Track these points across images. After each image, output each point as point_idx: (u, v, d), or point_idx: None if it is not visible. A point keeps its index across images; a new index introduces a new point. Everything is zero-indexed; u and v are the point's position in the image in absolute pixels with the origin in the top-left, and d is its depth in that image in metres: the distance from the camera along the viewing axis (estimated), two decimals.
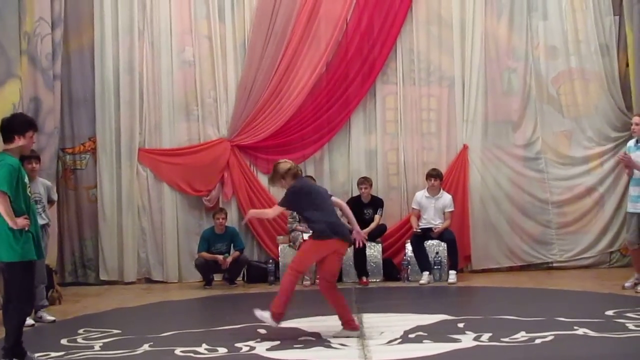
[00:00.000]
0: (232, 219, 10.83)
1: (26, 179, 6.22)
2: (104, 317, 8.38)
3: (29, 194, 6.26)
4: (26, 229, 6.03)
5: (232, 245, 10.40)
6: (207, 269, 10.26)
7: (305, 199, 6.95)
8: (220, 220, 10.30)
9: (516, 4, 10.89)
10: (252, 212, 8.18)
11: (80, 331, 7.35)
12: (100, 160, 10.80)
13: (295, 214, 10.33)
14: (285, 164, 7.15)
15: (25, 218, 6.04)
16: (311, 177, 10.50)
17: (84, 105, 10.85)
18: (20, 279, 6.04)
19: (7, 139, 6.19)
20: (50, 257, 9.52)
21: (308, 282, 10.02)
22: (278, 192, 10.78)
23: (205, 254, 10.20)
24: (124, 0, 10.80)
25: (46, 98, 10.06)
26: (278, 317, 6.83)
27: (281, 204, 7.13)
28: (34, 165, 8.21)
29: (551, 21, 10.92)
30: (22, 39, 9.48)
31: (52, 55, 10.19)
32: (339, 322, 6.89)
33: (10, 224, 5.94)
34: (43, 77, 9.99)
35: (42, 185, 8.33)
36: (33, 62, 9.82)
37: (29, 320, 7.82)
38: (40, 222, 8.02)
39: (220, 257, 10.19)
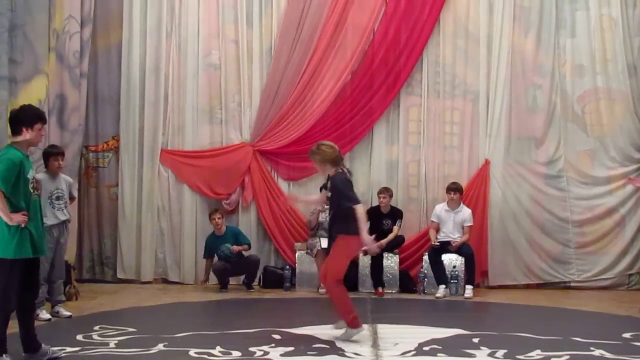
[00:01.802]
0: (250, 223, 10.88)
1: (29, 175, 5.99)
2: (120, 315, 8.41)
3: (31, 190, 6.01)
4: (22, 225, 5.85)
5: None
6: (224, 273, 10.27)
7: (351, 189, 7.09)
8: (216, 220, 10.28)
9: (544, 20, 10.85)
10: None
11: (96, 328, 7.38)
12: (122, 159, 10.87)
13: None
14: (332, 149, 7.16)
15: (24, 214, 5.87)
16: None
17: (109, 103, 10.94)
18: (7, 277, 5.84)
19: (15, 132, 6.04)
20: (69, 254, 9.57)
21: (323, 290, 10.00)
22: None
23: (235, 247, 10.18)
24: (153, 2, 10.88)
25: (72, 95, 10.15)
26: (354, 322, 6.94)
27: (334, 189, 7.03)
28: (60, 162, 8.22)
29: (579, 39, 10.87)
30: (50, 36, 9.57)
31: (80, 53, 10.30)
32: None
33: (5, 219, 5.78)
34: (70, 74, 10.08)
35: (64, 182, 8.34)
36: (60, 60, 9.91)
37: (46, 315, 7.90)
38: (62, 217, 8.17)
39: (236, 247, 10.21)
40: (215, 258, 10.37)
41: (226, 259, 10.20)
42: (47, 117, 9.22)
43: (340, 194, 7.00)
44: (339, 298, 7.02)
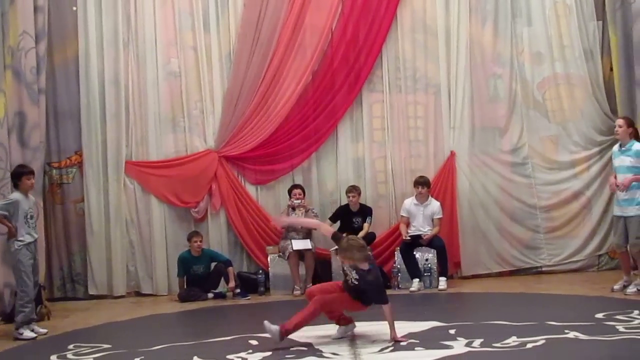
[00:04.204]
0: (220, 230, 10.84)
1: None
2: (94, 332, 8.32)
3: None
4: None
5: (211, 265, 10.34)
6: (192, 298, 10.13)
7: None
8: (198, 243, 10.26)
9: (500, 10, 10.93)
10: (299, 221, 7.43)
11: (70, 347, 7.30)
12: (86, 173, 10.73)
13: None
14: (363, 248, 7.03)
15: None
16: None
17: (69, 118, 10.81)
18: None
19: None
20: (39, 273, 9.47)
21: (298, 292, 10.01)
22: (267, 202, 10.89)
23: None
24: (108, 13, 10.76)
25: (31, 112, 10.00)
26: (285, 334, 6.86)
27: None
28: (33, 180, 8.29)
29: (535, 27, 10.97)
30: (5, 53, 9.46)
31: (37, 69, 10.11)
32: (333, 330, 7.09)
33: None
34: (28, 91, 9.93)
35: (32, 201, 8.36)
36: (17, 77, 9.77)
37: (31, 334, 7.89)
38: (36, 235, 8.24)
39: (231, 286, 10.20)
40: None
41: (194, 282, 10.26)
42: (7, 135, 9.22)
43: (377, 291, 7.04)
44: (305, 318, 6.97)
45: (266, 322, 6.78)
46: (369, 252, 7.18)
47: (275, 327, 6.74)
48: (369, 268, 6.91)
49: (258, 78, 10.70)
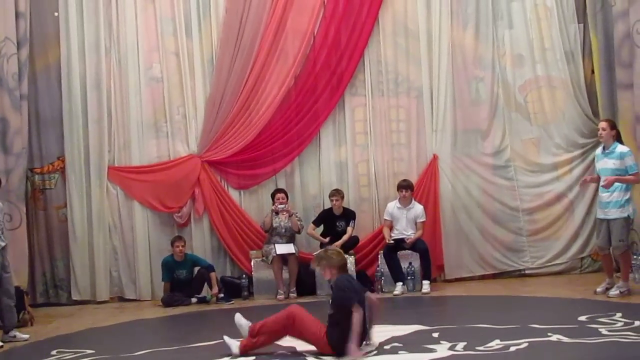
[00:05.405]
0: (203, 235, 10.82)
1: None
2: (77, 337, 8.29)
3: None
4: None
5: (194, 270, 10.34)
6: (175, 303, 10.12)
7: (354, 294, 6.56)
8: (180, 247, 10.24)
9: (482, 13, 10.98)
10: None
11: (54, 352, 7.28)
12: (69, 179, 10.70)
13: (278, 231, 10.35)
14: (340, 257, 6.79)
15: None
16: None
17: (51, 124, 10.76)
18: None
19: None
20: (21, 278, 9.44)
21: (282, 296, 10.01)
22: (250, 207, 10.86)
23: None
24: (89, 18, 10.73)
25: (13, 118, 9.97)
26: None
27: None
28: None
29: (517, 30, 11.02)
30: None
31: (19, 75, 10.09)
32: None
33: None
34: (10, 97, 9.91)
35: None
36: None
37: None
38: (1, 244, 8.09)
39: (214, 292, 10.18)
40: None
41: (177, 287, 10.24)
42: None
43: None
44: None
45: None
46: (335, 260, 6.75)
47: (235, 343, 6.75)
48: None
49: (240, 83, 10.70)
